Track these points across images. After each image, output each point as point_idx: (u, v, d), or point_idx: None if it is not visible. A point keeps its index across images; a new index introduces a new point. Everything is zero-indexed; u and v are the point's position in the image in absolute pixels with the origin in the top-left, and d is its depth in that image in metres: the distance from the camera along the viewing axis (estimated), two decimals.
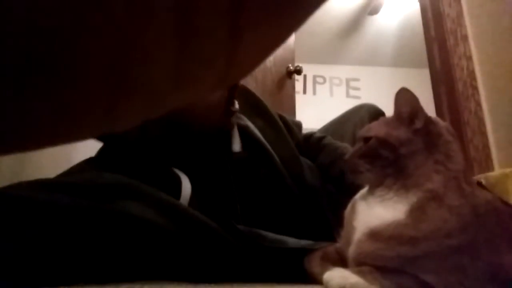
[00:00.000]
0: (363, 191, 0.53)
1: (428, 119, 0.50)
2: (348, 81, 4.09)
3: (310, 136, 0.96)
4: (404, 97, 0.51)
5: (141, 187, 0.53)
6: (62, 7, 0.08)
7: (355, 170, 0.51)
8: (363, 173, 0.50)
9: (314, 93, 4.03)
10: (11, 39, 0.08)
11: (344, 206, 0.54)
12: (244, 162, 0.71)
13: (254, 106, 0.87)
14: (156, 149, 0.64)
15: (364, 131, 0.53)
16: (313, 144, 0.94)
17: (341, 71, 4.10)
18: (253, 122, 0.82)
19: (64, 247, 0.44)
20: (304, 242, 0.60)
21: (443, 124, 0.53)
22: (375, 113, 0.99)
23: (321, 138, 0.94)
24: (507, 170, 0.98)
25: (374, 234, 0.45)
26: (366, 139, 0.51)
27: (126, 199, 0.50)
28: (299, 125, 0.99)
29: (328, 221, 0.63)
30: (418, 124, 0.49)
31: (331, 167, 0.83)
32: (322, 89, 4.06)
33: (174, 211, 0.52)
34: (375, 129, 0.51)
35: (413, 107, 0.50)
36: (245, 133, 0.75)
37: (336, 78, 4.10)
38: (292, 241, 0.60)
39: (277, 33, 0.12)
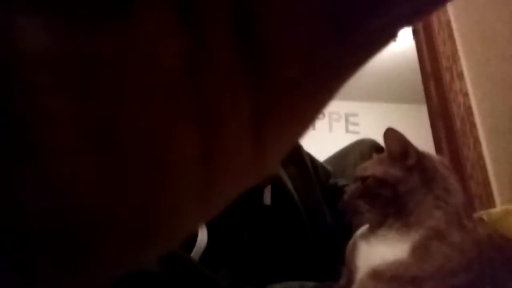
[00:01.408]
0: (364, 228, 0.52)
1: (420, 155, 0.50)
2: (347, 116, 4.13)
3: (335, 184, 0.95)
4: (391, 137, 0.51)
5: None
6: None
7: (355, 211, 0.50)
8: (363, 214, 0.49)
9: (314, 128, 4.06)
10: None
11: (345, 244, 0.53)
12: (272, 215, 0.70)
13: (291, 153, 0.84)
14: None
15: (360, 171, 0.53)
16: (338, 190, 0.93)
17: (340, 107, 4.14)
18: (286, 169, 0.81)
19: None
20: (309, 285, 0.59)
21: (437, 158, 0.53)
22: (376, 148, 0.99)
23: (345, 185, 0.93)
24: (509, 206, 0.97)
25: (376, 274, 0.44)
26: (363, 179, 0.51)
27: None
28: (327, 172, 0.97)
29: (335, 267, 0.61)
30: (411, 161, 0.49)
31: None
32: (321, 125, 4.09)
33: (183, 267, 0.50)
34: (371, 168, 0.51)
35: (403, 145, 0.50)
36: (277, 183, 0.73)
37: (335, 113, 4.14)
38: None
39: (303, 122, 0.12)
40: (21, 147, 0.07)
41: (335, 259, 0.65)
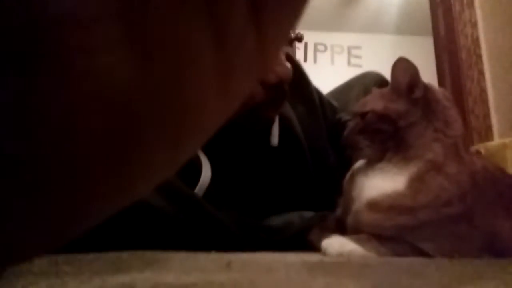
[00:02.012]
0: (361, 162, 0.53)
1: (426, 88, 0.49)
2: (349, 49, 4.02)
3: (339, 119, 0.94)
4: (403, 67, 0.49)
5: None
6: None
7: (355, 146, 0.50)
8: (363, 149, 0.49)
9: (315, 61, 3.97)
10: None
11: (343, 176, 0.54)
12: (278, 156, 0.70)
13: (300, 90, 0.83)
14: None
15: (360, 107, 0.52)
16: (341, 125, 0.92)
17: (343, 39, 4.02)
18: (295, 107, 0.79)
19: None
20: (307, 215, 0.61)
21: (439, 90, 0.52)
22: (380, 81, 0.97)
23: (347, 120, 0.93)
24: (506, 139, 0.98)
25: (373, 205, 0.45)
26: (363, 114, 0.50)
27: None
28: (334, 108, 0.96)
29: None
30: (418, 93, 0.48)
31: None
32: (323, 57, 4.00)
33: (186, 202, 0.51)
34: (371, 103, 0.50)
35: (412, 76, 0.49)
36: (285, 124, 0.72)
37: (337, 46, 4.03)
38: (297, 220, 0.60)
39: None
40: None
41: (335, 193, 0.67)
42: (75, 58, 0.08)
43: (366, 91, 0.93)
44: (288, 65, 0.61)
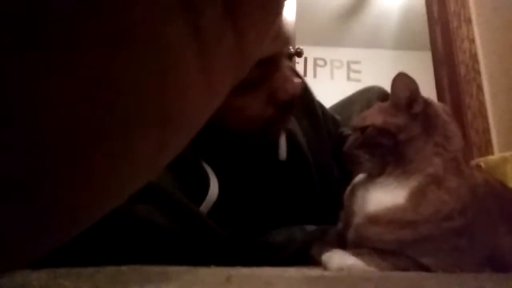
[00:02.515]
0: (362, 176, 0.53)
1: (426, 102, 0.49)
2: (349, 63, 4.05)
3: (341, 133, 0.95)
4: (402, 82, 0.50)
5: (169, 192, 0.51)
6: None
7: (355, 160, 0.50)
8: (363, 163, 0.49)
9: (315, 76, 4.00)
10: None
11: (344, 190, 0.54)
12: (285, 170, 0.70)
13: (304, 105, 0.84)
14: (195, 144, 0.61)
15: (359, 121, 0.52)
16: (343, 139, 0.93)
17: (342, 54, 4.06)
18: (300, 122, 0.79)
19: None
20: (309, 229, 0.60)
21: (439, 104, 0.52)
22: (383, 96, 0.97)
23: (349, 135, 0.93)
24: (507, 154, 0.98)
25: (373, 219, 0.45)
26: (363, 129, 0.50)
27: (144, 202, 0.49)
28: (337, 122, 0.96)
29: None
30: (417, 108, 0.48)
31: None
32: (322, 72, 4.03)
33: (190, 220, 0.51)
34: (371, 117, 0.51)
35: (412, 91, 0.49)
36: (291, 138, 0.72)
37: (337, 60, 4.06)
38: (299, 234, 0.60)
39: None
40: None
41: (337, 207, 0.67)
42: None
43: (369, 106, 0.93)
44: (297, 79, 0.61)
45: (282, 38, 0.57)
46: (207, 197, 0.56)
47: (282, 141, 0.70)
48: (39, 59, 0.08)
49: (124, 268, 0.38)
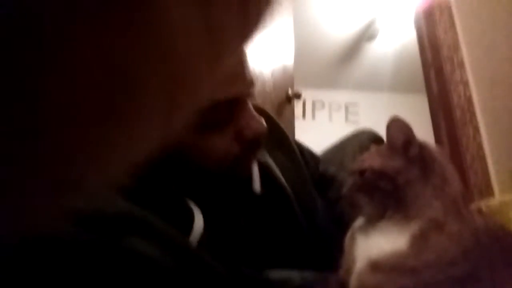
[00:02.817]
0: (361, 220, 0.52)
1: (421, 146, 0.50)
2: (347, 106, 4.12)
3: (325, 171, 0.95)
4: (397, 126, 0.50)
5: (153, 223, 0.51)
6: None
7: (354, 204, 0.50)
8: (363, 207, 0.49)
9: (313, 118, 4.06)
10: None
11: (344, 235, 0.54)
12: (263, 203, 0.70)
13: (277, 139, 0.85)
14: (172, 180, 0.62)
15: (357, 164, 0.53)
16: (328, 178, 0.93)
17: (340, 96, 4.14)
18: (274, 157, 0.80)
19: (68, 278, 0.43)
20: (307, 274, 0.59)
21: (435, 147, 0.53)
22: (374, 139, 0.99)
23: (335, 173, 0.93)
24: (507, 198, 0.97)
25: (375, 265, 0.44)
26: (361, 172, 0.50)
27: (134, 235, 0.49)
28: (315, 158, 0.97)
29: (333, 257, 0.62)
30: (413, 152, 0.49)
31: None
32: (321, 114, 4.08)
33: (182, 253, 0.51)
34: (369, 160, 0.51)
35: (407, 135, 0.49)
36: (264, 171, 0.73)
37: (335, 103, 4.13)
38: (296, 277, 0.59)
39: None
40: None
41: (330, 248, 0.66)
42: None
43: (361, 149, 0.94)
44: (262, 119, 0.62)
45: (247, 78, 0.59)
46: (193, 230, 0.56)
47: (255, 175, 0.71)
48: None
49: None
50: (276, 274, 0.59)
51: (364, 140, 1.00)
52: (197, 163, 0.59)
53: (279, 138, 0.87)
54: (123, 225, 0.49)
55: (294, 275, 0.60)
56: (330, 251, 0.64)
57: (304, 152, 0.94)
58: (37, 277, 0.41)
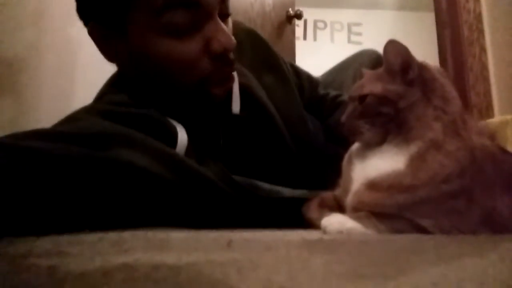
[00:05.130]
0: (359, 143, 0.52)
1: (420, 67, 0.48)
2: (349, 26, 3.96)
3: (326, 94, 0.94)
4: (394, 49, 0.48)
5: (137, 135, 0.53)
6: None
7: (355, 131, 0.49)
8: (364, 133, 0.49)
9: (315, 39, 3.92)
10: None
11: (341, 158, 0.54)
12: (242, 123, 0.70)
13: (265, 60, 0.84)
14: (153, 100, 0.63)
15: (357, 90, 0.51)
16: (328, 102, 0.92)
17: (343, 16, 3.96)
18: (260, 78, 0.79)
19: (61, 195, 0.44)
20: (299, 192, 0.61)
21: (435, 67, 0.51)
22: (377, 60, 0.96)
23: (337, 96, 0.92)
24: (508, 117, 0.98)
25: (372, 185, 0.45)
26: (361, 98, 0.49)
27: (122, 148, 0.50)
28: (315, 83, 0.95)
29: (328, 178, 0.64)
30: (412, 74, 0.47)
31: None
32: (323, 35, 3.94)
33: (169, 160, 0.52)
34: (368, 86, 0.49)
35: (404, 57, 0.48)
36: (246, 92, 0.72)
37: (337, 23, 3.97)
38: (287, 191, 0.61)
39: None
40: None
41: (325, 169, 0.68)
42: None
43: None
44: (230, 35, 0.62)
45: None
46: (178, 144, 0.58)
47: (235, 95, 0.71)
48: None
49: (126, 234, 0.38)
50: (266, 185, 0.61)
51: (365, 61, 0.97)
52: (169, 73, 0.60)
53: (269, 59, 0.85)
54: (110, 139, 0.50)
55: (284, 189, 0.62)
56: (324, 172, 0.66)
57: (300, 75, 0.92)
58: (39, 191, 0.43)
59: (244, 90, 0.72)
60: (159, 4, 0.55)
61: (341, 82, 1.00)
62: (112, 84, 0.69)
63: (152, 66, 0.60)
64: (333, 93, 0.94)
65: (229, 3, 0.64)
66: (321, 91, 0.94)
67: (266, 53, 0.85)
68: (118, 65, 0.66)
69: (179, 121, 0.61)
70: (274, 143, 0.73)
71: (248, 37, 0.83)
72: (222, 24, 0.61)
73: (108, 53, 0.62)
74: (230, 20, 0.66)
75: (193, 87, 0.61)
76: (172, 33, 0.57)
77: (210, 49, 0.59)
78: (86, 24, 0.61)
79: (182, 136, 0.59)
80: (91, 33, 0.61)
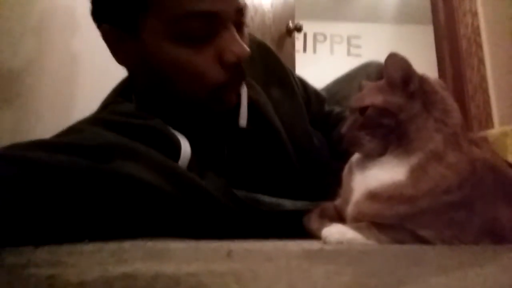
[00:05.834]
0: (359, 154, 0.52)
1: (421, 79, 0.49)
2: (349, 38, 4.00)
3: (331, 111, 0.94)
4: (395, 62, 0.49)
5: (139, 148, 0.53)
6: None
7: (356, 142, 0.49)
8: (364, 145, 0.49)
9: (315, 51, 3.95)
10: None
11: (341, 169, 0.54)
12: (247, 136, 0.70)
13: (275, 73, 0.84)
14: (159, 109, 0.63)
15: (357, 101, 0.51)
16: (332, 118, 0.92)
17: (342, 29, 4.00)
18: (269, 91, 0.79)
19: (62, 206, 0.44)
20: (300, 204, 0.61)
21: (435, 80, 0.52)
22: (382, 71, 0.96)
23: (340, 112, 0.92)
24: (507, 127, 0.98)
25: (373, 195, 0.45)
26: (362, 109, 0.49)
27: (124, 160, 0.50)
28: (322, 99, 0.96)
29: (329, 193, 0.63)
30: (413, 87, 0.48)
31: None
32: (322, 48, 3.98)
33: (170, 173, 0.52)
34: (370, 98, 0.50)
35: (405, 70, 0.48)
36: (254, 106, 0.72)
37: (337, 35, 4.01)
38: (288, 204, 0.60)
39: None
40: None
41: (327, 183, 0.67)
42: None
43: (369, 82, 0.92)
44: (245, 45, 0.62)
45: None
46: (181, 156, 0.58)
47: (243, 109, 0.71)
48: None
49: (126, 244, 0.38)
50: (267, 198, 0.61)
51: (371, 73, 0.98)
52: (177, 84, 0.60)
53: (277, 72, 0.85)
54: (113, 151, 0.50)
55: (285, 201, 0.62)
56: (326, 186, 0.65)
57: (308, 90, 0.92)
58: (43, 202, 0.43)
59: (252, 103, 0.72)
60: (178, 12, 0.55)
61: (347, 94, 0.99)
62: (117, 93, 0.70)
63: (163, 72, 0.60)
64: (337, 109, 0.94)
65: (247, 12, 0.64)
66: (327, 107, 0.95)
67: (276, 67, 0.85)
68: (128, 69, 0.66)
69: (184, 133, 0.61)
70: (278, 158, 0.73)
71: (259, 50, 0.83)
72: (236, 34, 0.61)
73: (121, 56, 0.62)
74: (246, 29, 0.66)
75: (203, 95, 0.61)
76: (187, 40, 0.57)
77: (223, 59, 0.59)
78: (99, 26, 0.61)
79: (186, 148, 0.59)
80: (105, 35, 0.61)
